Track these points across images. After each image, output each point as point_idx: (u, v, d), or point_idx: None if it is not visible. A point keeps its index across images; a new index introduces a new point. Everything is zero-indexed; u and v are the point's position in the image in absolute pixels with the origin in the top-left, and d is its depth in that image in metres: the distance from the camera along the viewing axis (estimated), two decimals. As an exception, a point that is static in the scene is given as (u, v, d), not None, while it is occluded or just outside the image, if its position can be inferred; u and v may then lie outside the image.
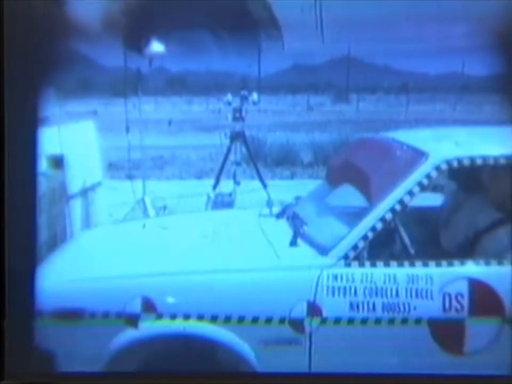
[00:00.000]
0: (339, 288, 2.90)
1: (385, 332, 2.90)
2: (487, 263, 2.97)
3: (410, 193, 3.02)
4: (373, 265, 2.95)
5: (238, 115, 5.72)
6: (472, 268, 2.96)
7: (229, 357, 2.88)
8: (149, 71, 5.57)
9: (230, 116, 5.74)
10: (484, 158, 3.08)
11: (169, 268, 2.99)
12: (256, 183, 5.63)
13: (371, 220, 2.99)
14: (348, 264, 2.94)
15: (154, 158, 7.54)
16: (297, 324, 2.87)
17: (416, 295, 2.91)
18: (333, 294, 2.89)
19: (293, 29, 4.04)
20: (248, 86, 6.09)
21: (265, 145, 7.75)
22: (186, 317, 2.86)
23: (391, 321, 2.89)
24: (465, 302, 2.91)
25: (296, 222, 3.29)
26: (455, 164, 3.07)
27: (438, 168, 3.05)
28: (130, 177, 6.27)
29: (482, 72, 4.40)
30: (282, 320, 2.86)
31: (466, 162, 3.08)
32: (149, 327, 2.86)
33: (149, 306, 2.86)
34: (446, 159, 3.07)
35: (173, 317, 2.86)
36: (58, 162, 4.11)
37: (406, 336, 2.91)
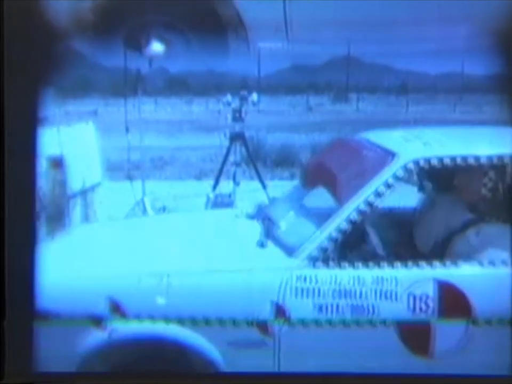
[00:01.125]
0: (305, 290, 2.88)
1: (352, 333, 2.89)
2: (455, 264, 2.95)
3: (377, 193, 3.00)
4: (340, 266, 2.93)
5: (237, 115, 5.72)
6: (440, 269, 2.94)
7: (195, 358, 2.86)
8: (149, 71, 5.56)
9: (229, 117, 5.74)
10: (452, 158, 3.05)
11: (137, 269, 2.96)
12: (256, 184, 5.63)
13: (337, 221, 2.97)
14: (314, 266, 2.92)
15: (154, 158, 7.53)
16: (264, 326, 2.86)
17: (383, 297, 2.90)
18: (299, 296, 2.88)
19: (260, 29, 4.03)
20: (247, 86, 6.08)
21: (265, 145, 7.74)
22: (153, 319, 2.84)
23: (358, 322, 2.88)
24: (432, 303, 2.90)
25: (266, 223, 3.26)
26: (422, 164, 3.05)
27: (405, 168, 3.03)
28: (129, 177, 6.26)
29: (482, 73, 4.39)
30: (249, 322, 2.86)
31: (434, 162, 3.05)
32: (116, 329, 2.83)
33: (116, 308, 2.84)
34: (413, 159, 3.05)
35: (140, 319, 2.84)
36: (58, 162, 4.11)
37: (373, 338, 2.90)
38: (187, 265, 3.01)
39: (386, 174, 3.03)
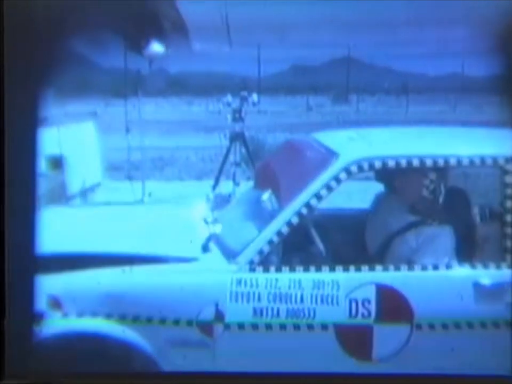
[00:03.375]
0: (243, 294, 2.85)
1: (291, 337, 2.85)
2: (397, 268, 2.91)
3: (318, 196, 2.95)
4: (279, 270, 2.89)
5: (237, 116, 5.73)
6: (381, 273, 2.90)
7: (135, 356, 2.83)
8: (149, 72, 5.57)
9: (229, 117, 5.74)
10: (395, 159, 3.00)
11: (78, 266, 2.91)
12: (256, 184, 5.62)
13: (277, 225, 2.93)
14: (252, 269, 2.89)
15: (154, 159, 7.54)
16: (204, 327, 2.84)
17: (322, 301, 2.86)
18: (237, 300, 2.84)
19: (201, 30, 4.04)
20: (248, 87, 6.08)
21: (265, 146, 7.75)
22: (94, 315, 2.84)
23: (297, 327, 2.84)
24: (372, 307, 2.86)
25: (212, 226, 3.23)
26: (365, 165, 2.98)
27: (347, 170, 2.97)
28: (130, 178, 6.27)
29: (482, 73, 4.40)
30: (190, 323, 2.83)
31: (377, 164, 2.99)
32: (55, 325, 2.83)
33: (55, 305, 2.84)
34: (355, 160, 2.98)
35: (80, 315, 2.84)
36: (58, 162, 4.12)
37: (312, 342, 2.85)
38: (130, 264, 2.99)
39: (326, 176, 2.96)
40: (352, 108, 8.51)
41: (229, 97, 5.74)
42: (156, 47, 4.85)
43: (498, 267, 2.93)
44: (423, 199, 3.13)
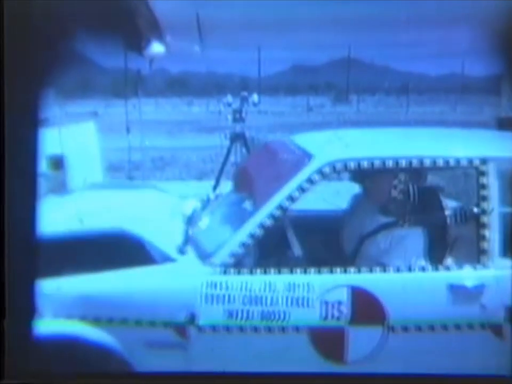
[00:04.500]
0: (216, 296, 2.85)
1: (264, 339, 2.85)
2: (370, 270, 2.90)
3: (291, 198, 2.94)
4: (251, 273, 2.89)
5: (238, 116, 5.73)
6: (354, 275, 2.89)
7: (110, 358, 2.83)
8: (149, 72, 5.57)
9: (230, 117, 5.75)
10: (370, 160, 2.99)
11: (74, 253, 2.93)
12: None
13: (250, 227, 2.92)
14: (225, 272, 2.89)
15: (155, 159, 7.54)
16: (179, 329, 2.83)
17: (295, 303, 2.85)
18: (210, 302, 2.84)
19: (174, 30, 4.03)
20: (248, 87, 6.08)
21: (265, 146, 7.74)
22: (69, 317, 2.84)
23: (270, 329, 2.84)
24: (345, 309, 2.85)
25: (190, 228, 3.23)
26: (339, 167, 2.97)
27: (320, 172, 2.96)
28: (130, 178, 6.27)
29: (482, 74, 4.40)
30: (165, 324, 2.83)
31: (351, 165, 2.98)
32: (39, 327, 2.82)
33: None
34: (329, 162, 2.97)
35: (55, 317, 2.84)
36: (58, 163, 4.12)
37: (285, 345, 2.85)
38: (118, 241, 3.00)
39: (300, 178, 2.95)
40: (353, 108, 8.51)
41: (229, 98, 5.75)
42: (156, 47, 4.84)
43: (473, 269, 2.92)
44: (394, 200, 3.12)
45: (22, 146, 2.82)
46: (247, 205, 3.14)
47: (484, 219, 2.97)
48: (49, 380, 2.80)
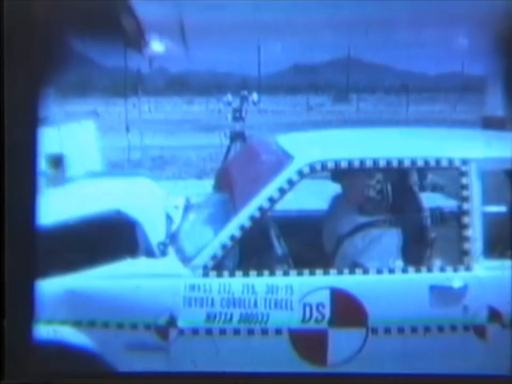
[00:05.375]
0: (196, 299, 2.84)
1: (245, 342, 2.84)
2: (351, 272, 2.90)
3: (271, 199, 2.93)
4: (232, 275, 2.88)
5: (238, 115, 5.73)
6: (335, 277, 2.88)
7: (91, 360, 2.84)
8: (149, 71, 5.57)
9: (230, 116, 5.75)
10: (349, 161, 2.97)
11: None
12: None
13: (230, 229, 2.91)
14: (206, 274, 2.88)
15: (154, 158, 7.53)
16: (160, 332, 2.83)
17: (275, 306, 2.84)
18: (190, 305, 2.84)
19: (156, 31, 4.03)
20: (248, 86, 6.08)
21: (265, 145, 7.73)
22: (51, 321, 2.83)
23: (251, 332, 2.83)
24: (326, 312, 2.84)
25: (172, 228, 3.21)
26: (318, 167, 2.96)
27: (300, 172, 2.95)
28: (130, 177, 6.24)
29: (482, 73, 4.40)
30: (147, 327, 2.83)
31: (330, 165, 2.98)
32: None
33: None
34: (309, 163, 2.96)
35: (38, 320, 2.82)
36: (58, 162, 4.11)
37: (266, 347, 2.84)
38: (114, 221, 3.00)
39: (280, 179, 2.94)
40: (353, 107, 8.50)
41: (229, 97, 5.75)
42: (156, 46, 4.84)
43: (455, 270, 2.91)
44: (371, 200, 3.11)
45: (22, 145, 2.82)
46: (229, 206, 3.14)
47: (466, 220, 2.95)
48: (49, 380, 2.80)
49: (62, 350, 2.85)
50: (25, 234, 2.82)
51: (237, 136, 5.72)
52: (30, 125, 2.83)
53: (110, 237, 2.99)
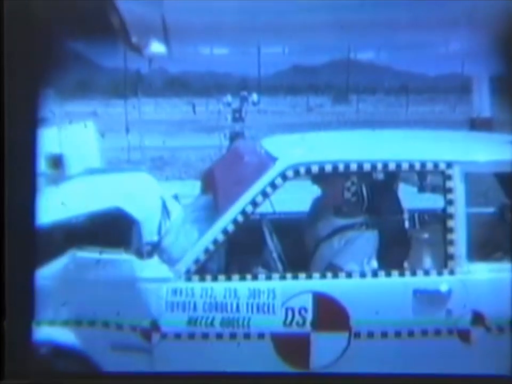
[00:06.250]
0: (178, 303, 2.84)
1: (228, 346, 2.83)
2: (334, 276, 2.88)
3: (255, 202, 2.92)
4: (214, 279, 2.87)
5: (237, 116, 5.74)
6: (317, 281, 2.87)
7: (76, 359, 2.84)
8: (149, 72, 5.57)
9: (229, 117, 5.75)
10: (333, 164, 2.96)
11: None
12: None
13: (213, 232, 2.90)
14: (188, 279, 2.87)
15: (154, 158, 7.52)
16: (145, 334, 2.83)
17: (258, 310, 2.83)
18: (172, 309, 2.84)
19: (141, 32, 4.03)
20: (248, 86, 6.08)
21: (265, 146, 7.72)
22: (39, 321, 2.83)
23: (233, 336, 2.82)
24: (309, 316, 2.83)
25: (160, 231, 3.21)
26: (302, 170, 2.95)
27: (282, 175, 2.94)
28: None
29: (482, 74, 4.40)
30: (132, 328, 2.83)
31: (314, 168, 2.96)
32: None
33: None
34: (292, 165, 2.95)
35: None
36: (57, 162, 4.11)
37: (249, 351, 2.84)
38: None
39: (263, 182, 2.93)
40: (353, 108, 8.50)
41: (229, 97, 5.75)
42: (156, 47, 4.84)
43: (439, 274, 2.89)
44: (348, 202, 3.10)
45: (21, 145, 2.82)
46: (213, 208, 3.13)
47: (451, 223, 2.93)
48: (48, 380, 2.80)
49: (60, 350, 2.86)
50: (25, 234, 2.82)
51: (237, 137, 5.72)
52: (30, 125, 2.83)
53: (110, 235, 2.99)
